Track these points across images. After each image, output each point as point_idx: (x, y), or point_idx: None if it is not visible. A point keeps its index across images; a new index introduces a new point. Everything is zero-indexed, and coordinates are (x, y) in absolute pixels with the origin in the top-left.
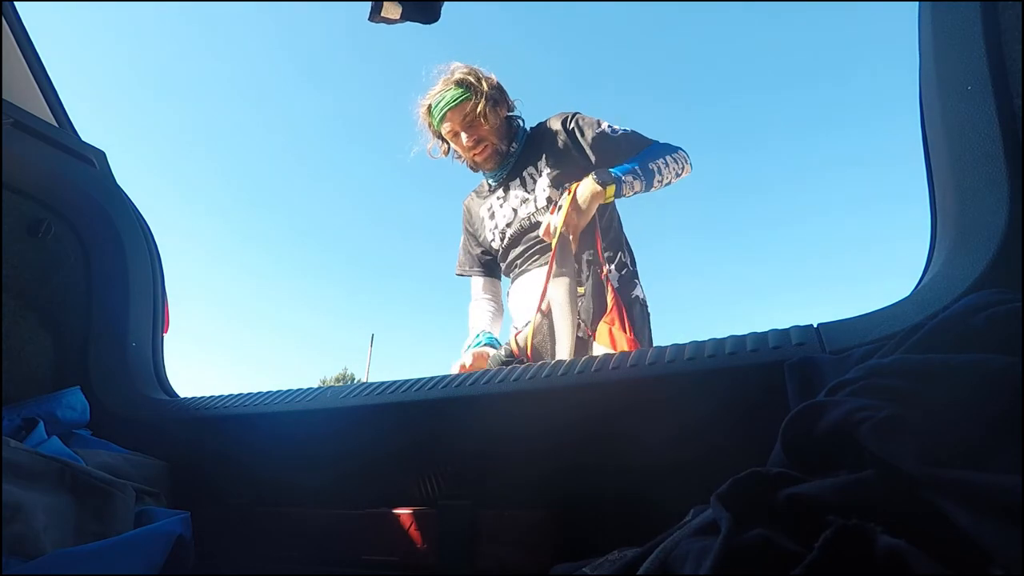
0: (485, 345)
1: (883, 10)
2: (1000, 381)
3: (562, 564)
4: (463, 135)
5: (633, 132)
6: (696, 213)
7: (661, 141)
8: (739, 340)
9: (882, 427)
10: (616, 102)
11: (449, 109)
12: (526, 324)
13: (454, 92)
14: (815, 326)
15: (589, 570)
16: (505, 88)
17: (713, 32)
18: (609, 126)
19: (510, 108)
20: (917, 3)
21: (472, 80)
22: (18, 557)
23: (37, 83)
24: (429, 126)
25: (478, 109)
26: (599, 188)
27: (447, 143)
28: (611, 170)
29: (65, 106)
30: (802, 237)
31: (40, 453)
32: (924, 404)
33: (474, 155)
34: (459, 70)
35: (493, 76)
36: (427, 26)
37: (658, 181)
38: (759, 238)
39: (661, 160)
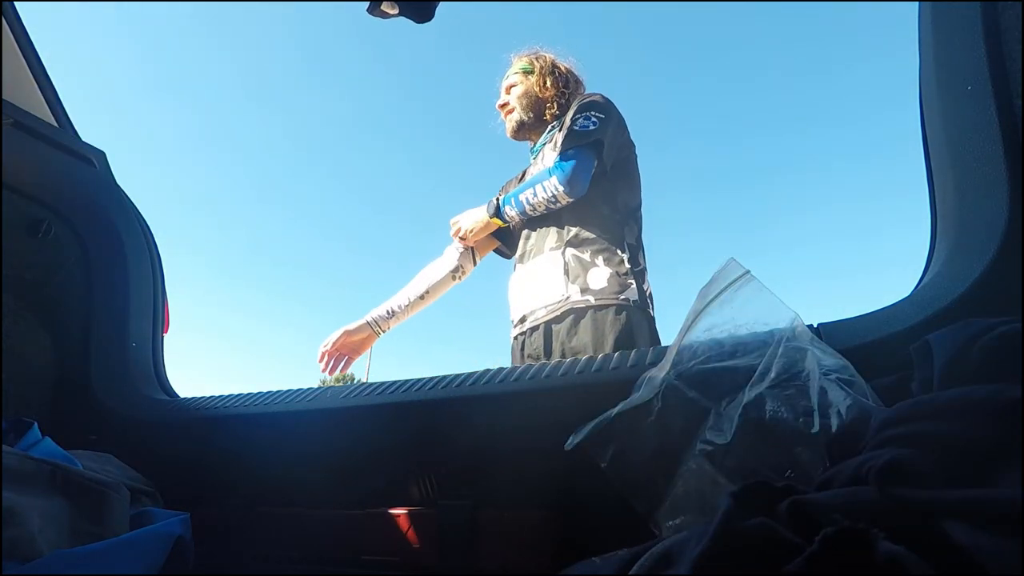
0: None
1: (884, 10)
2: (983, 410)
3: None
4: (501, 96)
5: (577, 132)
6: (695, 207)
7: (568, 157)
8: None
9: (883, 471)
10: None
11: (504, 78)
12: (521, 319)
13: (513, 65)
14: (815, 326)
15: (599, 559)
16: (568, 75)
17: (703, 25)
18: (583, 118)
19: (557, 90)
20: (917, 3)
21: (532, 59)
22: (15, 560)
23: (37, 83)
24: None
25: (515, 75)
26: (487, 218)
27: None
28: (501, 200)
29: (65, 106)
30: (802, 236)
31: (30, 456)
32: (920, 443)
33: (502, 114)
34: (535, 52)
35: (550, 57)
36: (421, 25)
37: (531, 210)
38: (759, 235)
39: (531, 191)
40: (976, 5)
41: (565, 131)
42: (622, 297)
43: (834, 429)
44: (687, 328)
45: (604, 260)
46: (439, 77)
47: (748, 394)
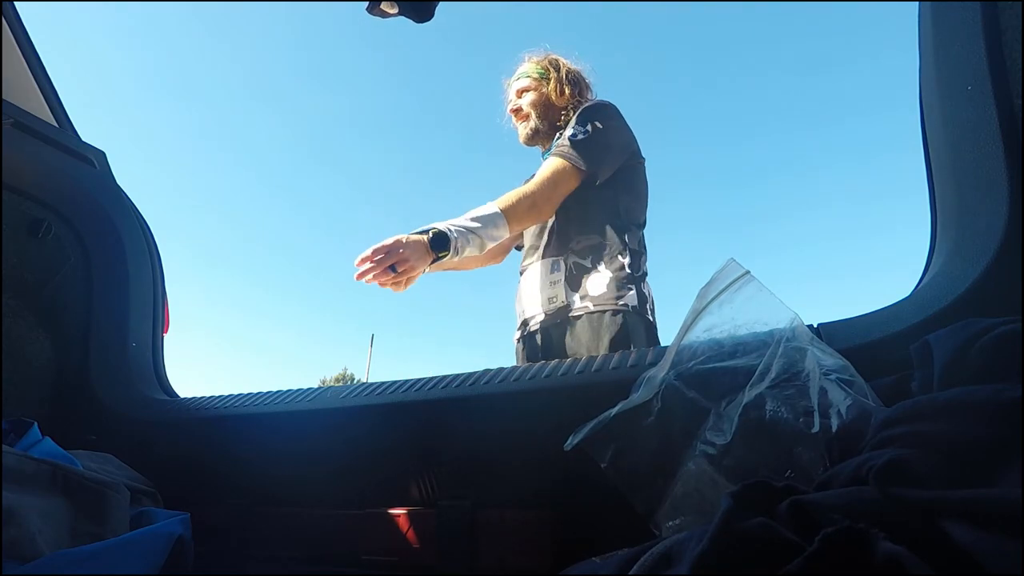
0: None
1: (884, 9)
2: (983, 410)
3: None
4: (512, 99)
5: (582, 143)
6: (695, 207)
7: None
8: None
9: (883, 471)
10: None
11: (515, 79)
12: (523, 323)
13: (527, 67)
14: (815, 326)
15: (599, 559)
16: (581, 81)
17: (702, 20)
18: (581, 131)
19: (573, 98)
20: (917, 3)
21: (547, 63)
22: (14, 560)
23: (37, 83)
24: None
25: (527, 78)
26: (431, 255)
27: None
28: (447, 231)
29: (65, 106)
30: (802, 236)
31: (30, 456)
32: (921, 443)
33: (515, 119)
34: (548, 55)
35: (570, 65)
36: (420, 24)
37: (492, 240)
38: (758, 235)
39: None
40: (976, 5)
41: (574, 140)
42: (620, 302)
43: (834, 429)
44: (687, 328)
45: (605, 264)
46: (445, 75)
47: (748, 394)
